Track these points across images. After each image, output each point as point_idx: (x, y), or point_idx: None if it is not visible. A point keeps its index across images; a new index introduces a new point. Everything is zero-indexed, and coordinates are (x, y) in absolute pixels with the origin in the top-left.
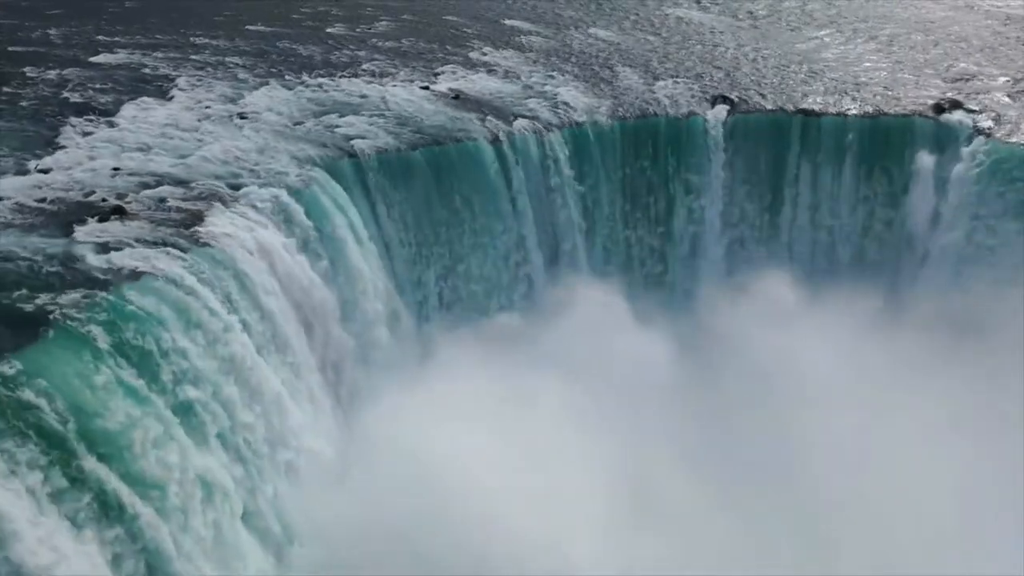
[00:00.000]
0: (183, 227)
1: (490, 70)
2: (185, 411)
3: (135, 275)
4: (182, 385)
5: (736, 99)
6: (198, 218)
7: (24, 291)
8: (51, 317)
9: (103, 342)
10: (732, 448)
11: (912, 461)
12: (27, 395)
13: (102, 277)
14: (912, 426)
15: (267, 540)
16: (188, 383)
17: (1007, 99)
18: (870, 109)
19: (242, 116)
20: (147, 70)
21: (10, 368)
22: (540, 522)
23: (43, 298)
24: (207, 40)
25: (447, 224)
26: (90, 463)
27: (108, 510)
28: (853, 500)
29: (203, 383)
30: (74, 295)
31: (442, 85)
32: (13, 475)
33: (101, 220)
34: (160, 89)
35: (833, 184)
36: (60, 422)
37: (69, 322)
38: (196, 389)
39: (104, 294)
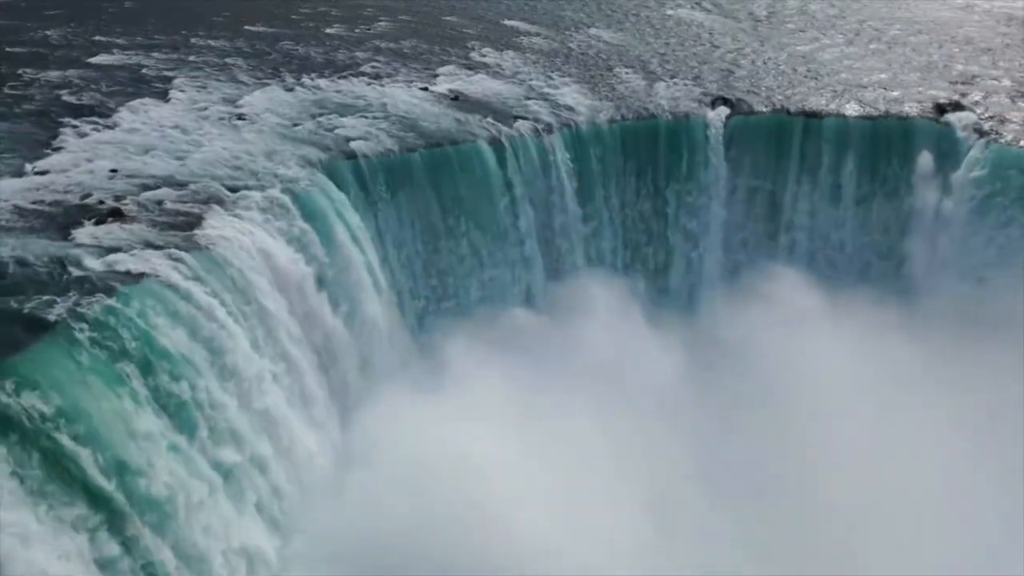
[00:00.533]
0: (181, 230)
1: (490, 71)
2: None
3: (134, 278)
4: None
5: (736, 100)
6: (196, 221)
7: (21, 295)
8: (50, 323)
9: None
10: (736, 446)
11: (922, 465)
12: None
13: (100, 281)
14: (921, 429)
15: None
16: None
17: (1009, 101)
18: (872, 111)
19: (241, 117)
20: (146, 71)
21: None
22: (544, 526)
23: (41, 302)
24: (206, 41)
25: (446, 226)
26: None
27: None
28: (867, 507)
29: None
30: (72, 300)
31: (442, 86)
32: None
33: (99, 223)
34: (159, 90)
35: (835, 186)
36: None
37: (69, 329)
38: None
39: (106, 300)
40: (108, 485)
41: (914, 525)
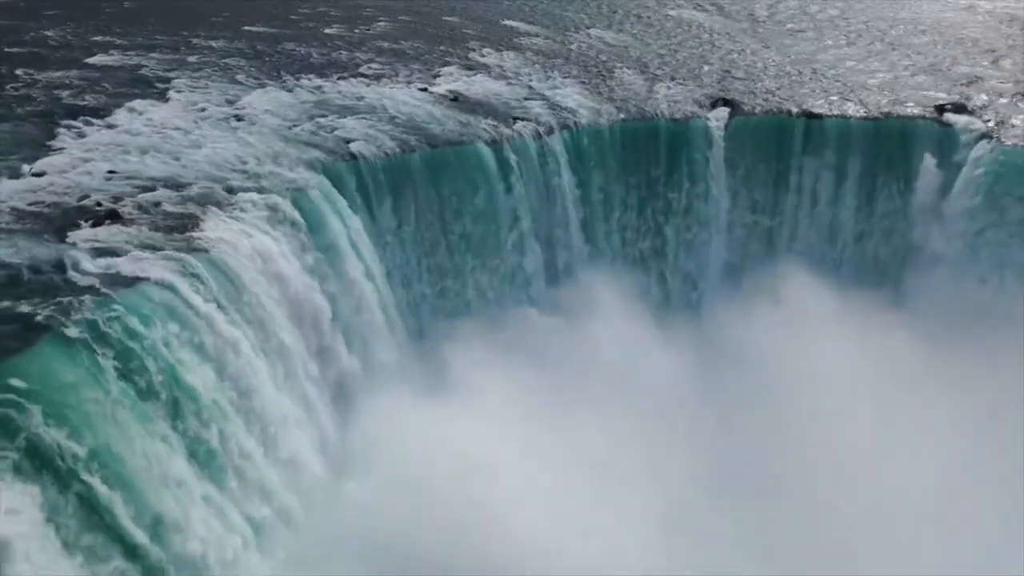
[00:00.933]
0: (179, 231)
1: (490, 72)
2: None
3: (130, 281)
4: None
5: (737, 101)
6: (194, 222)
7: (17, 298)
8: (46, 325)
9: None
10: (739, 448)
11: (922, 466)
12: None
13: (97, 283)
14: (924, 429)
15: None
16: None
17: (1012, 102)
18: (873, 111)
19: (239, 118)
20: (144, 71)
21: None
22: (549, 528)
23: (37, 305)
24: (204, 41)
25: (446, 227)
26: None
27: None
28: (867, 507)
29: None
30: (69, 302)
31: (441, 87)
32: None
33: (96, 224)
34: (157, 91)
35: (836, 186)
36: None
37: (66, 332)
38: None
39: (102, 301)
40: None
41: (914, 525)
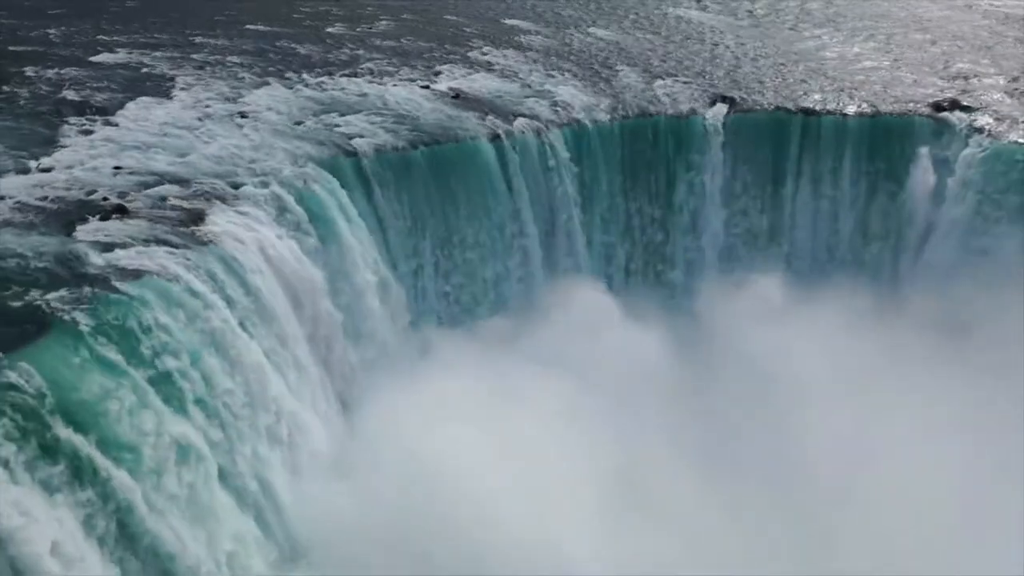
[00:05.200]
0: (184, 226)
1: (490, 69)
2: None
3: (137, 274)
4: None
5: (736, 98)
6: (199, 217)
7: (25, 290)
8: (53, 315)
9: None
10: (727, 443)
11: (909, 457)
12: (6, 376)
13: (104, 275)
14: (908, 423)
15: (244, 499)
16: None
17: (1007, 98)
18: (870, 108)
19: (243, 115)
20: (148, 69)
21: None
22: (537, 521)
23: (45, 297)
24: (207, 39)
25: (446, 223)
26: (65, 432)
27: (82, 475)
28: (850, 497)
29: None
30: (75, 294)
31: (442, 84)
32: None
33: (102, 219)
34: (161, 88)
35: (832, 182)
36: (36, 397)
37: (68, 321)
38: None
39: (107, 294)
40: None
41: (900, 514)
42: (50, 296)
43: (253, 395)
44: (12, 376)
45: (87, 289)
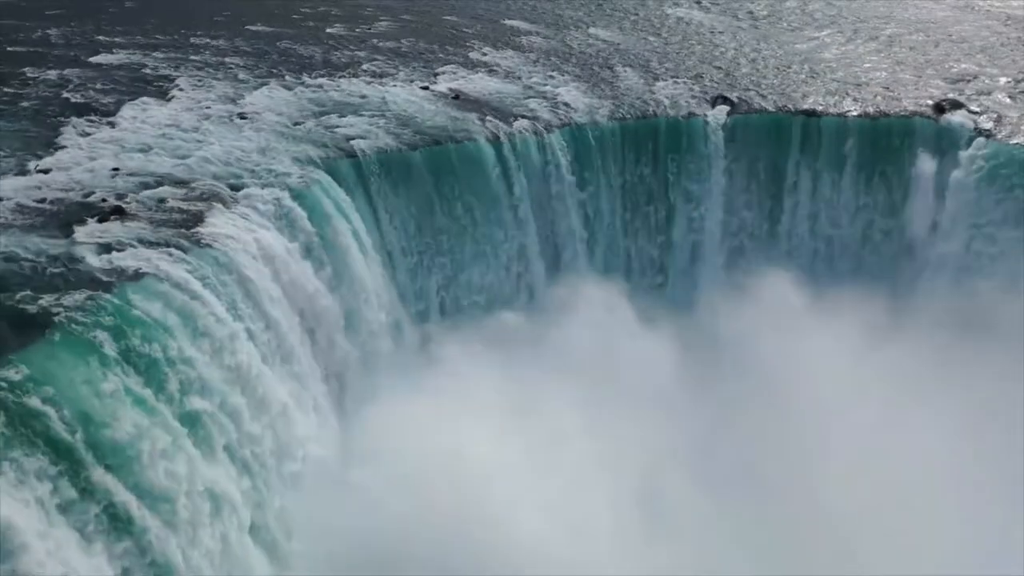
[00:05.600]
0: (183, 228)
1: (490, 70)
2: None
3: (136, 276)
4: (188, 395)
5: (736, 99)
6: (198, 219)
7: (24, 291)
8: (54, 319)
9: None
10: (735, 451)
11: (917, 465)
12: (34, 402)
13: (103, 278)
14: (914, 432)
15: (274, 553)
16: (195, 393)
17: (1008, 100)
18: (871, 109)
19: (242, 116)
20: (147, 70)
21: (16, 373)
22: (547, 527)
23: (44, 299)
24: (207, 40)
25: (446, 224)
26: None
27: (117, 523)
28: (860, 505)
29: (209, 393)
30: (75, 296)
31: (442, 85)
32: (22, 485)
33: (101, 220)
34: (160, 89)
35: (833, 184)
36: (69, 431)
37: (73, 325)
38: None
39: (108, 296)
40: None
41: (909, 522)
42: (48, 300)
43: (253, 395)
44: (36, 402)
45: (83, 291)
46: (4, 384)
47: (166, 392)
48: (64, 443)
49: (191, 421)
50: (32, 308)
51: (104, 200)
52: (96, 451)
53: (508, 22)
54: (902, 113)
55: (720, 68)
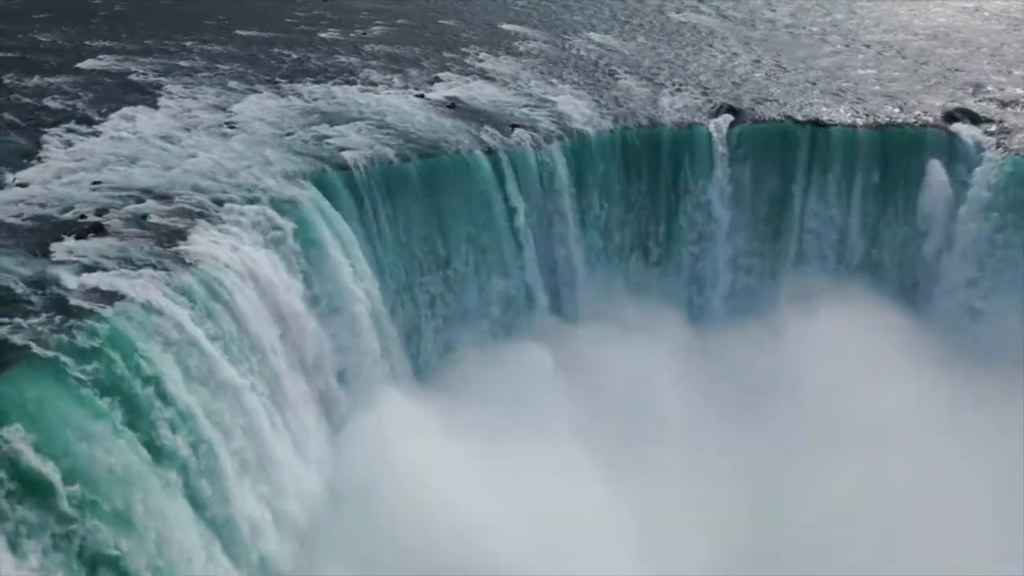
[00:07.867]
0: (165, 246)
1: (487, 77)
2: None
3: (111, 298)
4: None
5: (741, 108)
6: (181, 236)
7: None
8: (21, 343)
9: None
10: (737, 467)
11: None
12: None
13: (75, 301)
14: (937, 450)
15: None
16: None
17: (1021, 109)
18: (880, 119)
19: (231, 126)
20: (135, 77)
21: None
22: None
23: (11, 323)
24: (197, 45)
25: (442, 238)
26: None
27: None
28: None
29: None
30: (46, 320)
31: (438, 93)
32: None
33: (79, 238)
34: (147, 97)
35: (842, 195)
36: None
37: (42, 349)
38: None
39: (81, 321)
40: None
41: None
42: (17, 322)
43: (237, 421)
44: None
45: (57, 315)
46: None
47: (141, 422)
48: (33, 471)
49: (166, 453)
50: (1, 333)
51: (83, 216)
52: (66, 480)
53: (506, 27)
54: (913, 123)
55: (724, 76)
